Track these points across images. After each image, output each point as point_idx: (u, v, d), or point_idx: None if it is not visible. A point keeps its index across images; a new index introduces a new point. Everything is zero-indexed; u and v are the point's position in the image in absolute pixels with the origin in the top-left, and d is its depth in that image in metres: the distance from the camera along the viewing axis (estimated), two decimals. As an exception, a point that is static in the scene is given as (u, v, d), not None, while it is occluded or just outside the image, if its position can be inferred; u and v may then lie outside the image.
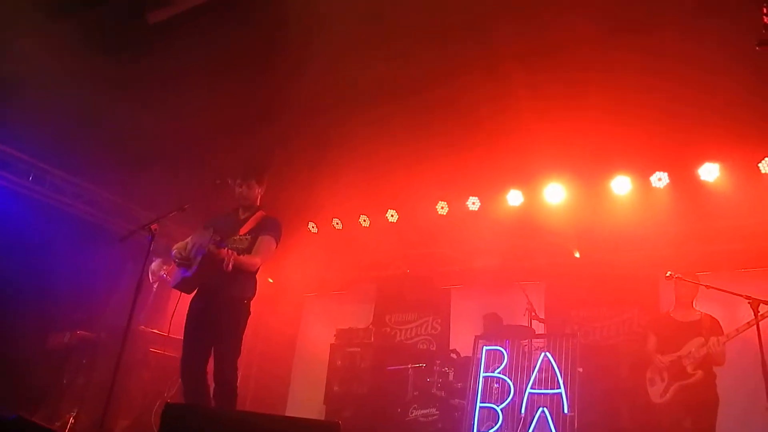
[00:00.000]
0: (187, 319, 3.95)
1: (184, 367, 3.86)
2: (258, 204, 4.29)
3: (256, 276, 4.10)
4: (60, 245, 6.44)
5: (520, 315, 6.04)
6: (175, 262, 4.03)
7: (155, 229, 3.88)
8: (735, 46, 4.38)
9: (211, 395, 3.81)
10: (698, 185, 5.79)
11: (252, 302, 4.07)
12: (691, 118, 5.01)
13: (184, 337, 3.94)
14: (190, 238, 3.99)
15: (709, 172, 5.72)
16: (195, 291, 4.02)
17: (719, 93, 4.76)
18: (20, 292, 6.01)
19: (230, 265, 3.66)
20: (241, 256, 3.88)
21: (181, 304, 4.09)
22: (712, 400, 4.82)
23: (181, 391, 5.28)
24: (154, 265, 5.85)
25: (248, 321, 4.04)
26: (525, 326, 5.84)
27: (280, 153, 5.99)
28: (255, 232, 4.07)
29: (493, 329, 6.40)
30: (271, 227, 4.13)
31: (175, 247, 4.04)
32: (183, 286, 3.95)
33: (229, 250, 3.73)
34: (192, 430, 2.45)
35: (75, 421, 4.98)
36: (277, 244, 4.15)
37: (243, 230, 4.11)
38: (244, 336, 4.00)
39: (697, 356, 4.88)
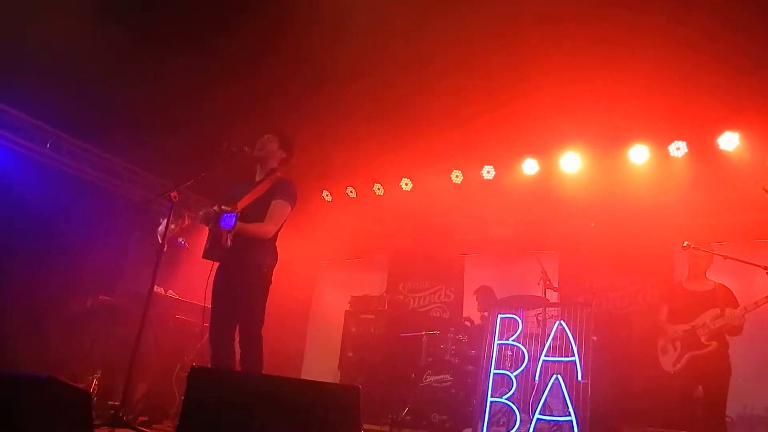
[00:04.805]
0: (212, 289, 4.00)
1: (212, 336, 3.93)
2: (276, 167, 4.25)
3: (275, 242, 4.09)
4: (78, 212, 6.53)
5: (534, 284, 6.07)
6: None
7: (174, 197, 3.91)
8: (756, 13, 4.30)
9: (238, 361, 3.89)
10: (717, 154, 5.73)
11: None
12: (710, 86, 4.94)
13: (211, 307, 4.01)
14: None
15: (729, 141, 5.65)
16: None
17: (740, 61, 4.68)
18: (40, 258, 6.12)
19: (228, 242, 3.70)
20: (250, 225, 3.87)
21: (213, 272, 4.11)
22: (724, 370, 4.84)
23: (200, 354, 5.43)
24: (161, 228, 5.89)
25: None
26: (539, 296, 5.87)
27: (294, 121, 5.97)
28: (268, 196, 4.04)
29: (487, 301, 6.46)
30: (283, 190, 4.06)
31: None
32: (207, 255, 3.98)
33: (224, 229, 3.72)
34: (217, 393, 2.51)
35: (98, 383, 5.11)
36: (291, 206, 4.07)
37: (257, 193, 4.07)
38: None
39: (713, 327, 4.89)
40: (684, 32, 4.49)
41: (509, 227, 7.20)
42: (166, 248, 5.68)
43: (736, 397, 5.04)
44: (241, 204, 3.96)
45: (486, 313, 6.09)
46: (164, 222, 5.71)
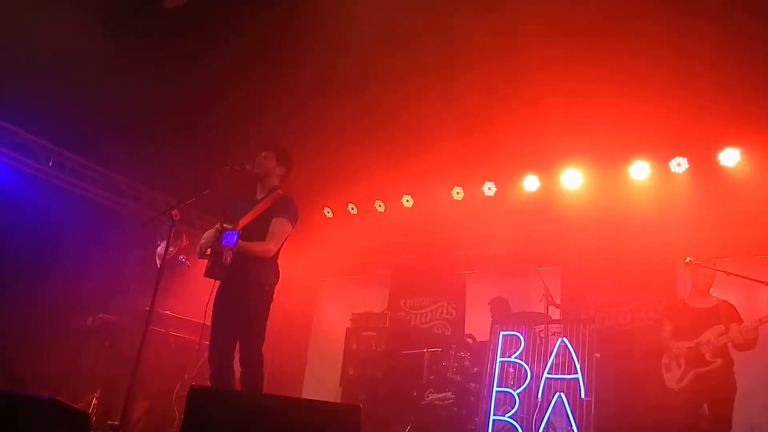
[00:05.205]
0: (213, 306, 3.99)
1: (211, 354, 3.92)
2: (276, 184, 4.26)
3: (277, 260, 4.08)
4: (78, 230, 6.53)
5: (536, 300, 6.05)
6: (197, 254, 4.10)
7: (176, 215, 3.91)
8: (758, 28, 4.33)
9: (237, 380, 3.87)
10: (718, 170, 5.73)
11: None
12: (711, 101, 4.95)
13: (211, 324, 4.00)
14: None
15: (730, 157, 5.66)
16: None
17: (740, 76, 4.70)
18: (41, 276, 6.11)
19: (228, 259, 3.70)
20: (252, 244, 3.88)
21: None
22: (729, 387, 4.80)
23: (200, 373, 5.40)
24: (159, 249, 5.90)
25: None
26: (541, 312, 5.85)
27: (294, 137, 5.98)
28: (269, 214, 4.05)
29: (502, 313, 6.43)
30: (284, 208, 4.07)
31: (203, 237, 4.08)
32: (209, 273, 3.97)
33: (225, 247, 3.73)
34: (217, 413, 2.49)
35: (98, 402, 5.08)
36: (292, 225, 4.07)
37: (258, 210, 4.08)
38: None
39: (717, 344, 4.85)
40: (684, 48, 4.52)
41: (511, 243, 7.18)
42: (165, 270, 5.73)
43: (742, 415, 4.99)
44: (243, 221, 3.96)
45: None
46: (163, 243, 5.74)
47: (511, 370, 5.19)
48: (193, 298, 5.11)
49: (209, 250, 3.91)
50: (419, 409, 5.78)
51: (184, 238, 5.90)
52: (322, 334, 8.56)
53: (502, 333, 5.28)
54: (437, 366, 6.10)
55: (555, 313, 5.98)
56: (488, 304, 6.72)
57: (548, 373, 4.90)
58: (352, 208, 7.66)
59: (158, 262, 5.76)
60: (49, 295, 5.97)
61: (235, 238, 3.74)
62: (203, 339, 5.00)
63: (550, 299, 5.89)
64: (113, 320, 5.54)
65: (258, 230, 3.96)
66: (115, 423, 3.99)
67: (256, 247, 3.91)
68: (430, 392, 5.78)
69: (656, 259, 6.38)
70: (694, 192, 5.95)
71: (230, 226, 3.83)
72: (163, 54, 5.19)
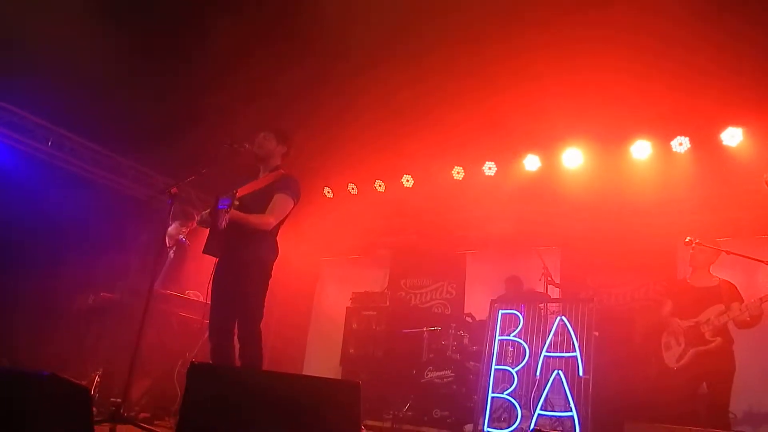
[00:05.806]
0: (212, 284, 4.00)
1: (211, 331, 3.93)
2: (279, 164, 4.24)
3: (276, 237, 4.06)
4: (79, 210, 6.53)
5: (535, 280, 6.08)
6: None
7: (175, 193, 3.91)
8: (762, 6, 4.28)
9: (237, 356, 3.89)
10: (720, 150, 5.70)
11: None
12: (714, 80, 4.90)
13: (211, 302, 4.01)
14: None
15: (732, 136, 5.62)
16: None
17: (744, 56, 4.65)
18: (43, 256, 6.13)
19: (224, 223, 3.63)
20: (251, 216, 3.86)
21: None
22: (728, 366, 4.84)
23: (202, 352, 5.43)
24: (171, 229, 5.91)
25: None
26: (540, 292, 5.87)
27: (295, 118, 5.96)
28: (270, 189, 4.03)
29: (515, 292, 6.45)
30: (286, 185, 4.04)
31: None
32: (207, 250, 3.97)
33: (222, 210, 3.67)
34: (217, 389, 2.51)
35: (100, 380, 5.12)
36: (294, 202, 4.05)
37: (258, 185, 4.07)
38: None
39: (717, 323, 4.87)
40: (687, 25, 4.46)
41: (511, 223, 7.18)
42: (173, 248, 5.75)
43: (741, 394, 5.02)
44: (241, 191, 3.94)
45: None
46: (174, 224, 5.75)
47: (510, 348, 5.22)
48: (197, 277, 5.13)
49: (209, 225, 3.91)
50: (419, 387, 5.84)
51: (196, 217, 5.90)
52: (323, 314, 8.61)
53: (501, 312, 5.30)
54: (437, 345, 6.14)
55: (554, 293, 6.02)
56: (504, 282, 6.75)
57: (547, 351, 4.93)
58: (353, 188, 7.65)
59: (168, 241, 5.79)
60: (49, 275, 6.00)
61: (229, 201, 3.69)
62: (205, 318, 5.03)
63: (549, 279, 5.92)
64: (115, 299, 5.56)
65: (258, 205, 3.93)
66: (117, 400, 4.01)
67: (255, 219, 3.88)
68: (430, 370, 5.83)
69: (657, 239, 6.37)
70: (696, 172, 5.92)
71: (223, 198, 3.81)
72: (164, 34, 5.14)
